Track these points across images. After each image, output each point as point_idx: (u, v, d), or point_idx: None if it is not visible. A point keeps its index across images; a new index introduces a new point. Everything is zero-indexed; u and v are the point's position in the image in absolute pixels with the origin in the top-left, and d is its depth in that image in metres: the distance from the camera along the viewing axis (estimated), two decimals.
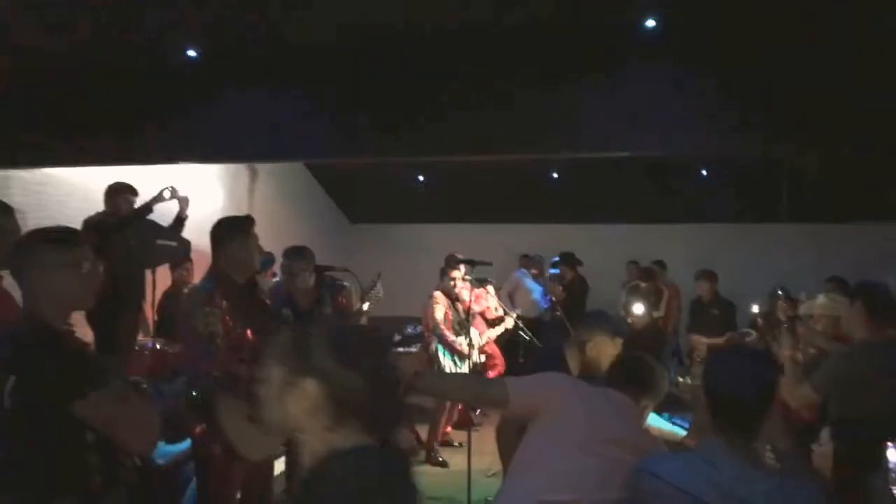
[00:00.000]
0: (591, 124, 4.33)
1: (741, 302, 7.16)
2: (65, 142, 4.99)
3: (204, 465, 2.82)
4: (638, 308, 6.90)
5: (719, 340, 6.32)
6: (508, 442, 2.70)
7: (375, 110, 4.67)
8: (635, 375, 2.43)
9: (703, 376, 1.95)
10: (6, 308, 2.54)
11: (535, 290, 8.45)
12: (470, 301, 5.52)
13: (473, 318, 5.71)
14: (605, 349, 3.01)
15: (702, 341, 6.63)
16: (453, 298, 5.86)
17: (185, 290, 2.90)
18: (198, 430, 2.68)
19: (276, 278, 5.14)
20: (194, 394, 2.60)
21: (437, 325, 5.75)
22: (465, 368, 5.81)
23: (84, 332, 4.64)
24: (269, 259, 5.31)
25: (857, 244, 8.48)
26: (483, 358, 6.13)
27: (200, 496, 2.93)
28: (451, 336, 5.73)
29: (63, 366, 1.83)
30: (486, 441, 4.46)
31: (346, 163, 8.74)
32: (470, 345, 5.68)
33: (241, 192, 7.97)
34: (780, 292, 4.49)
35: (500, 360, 6.58)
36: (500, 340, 6.81)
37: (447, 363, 5.78)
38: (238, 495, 2.99)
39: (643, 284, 7.84)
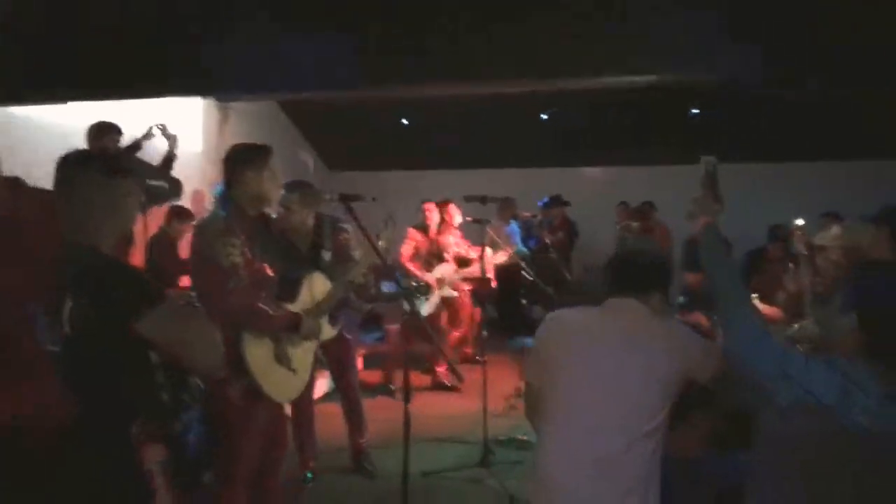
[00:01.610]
0: (604, 49, 4.07)
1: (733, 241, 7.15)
2: (48, 77, 4.62)
3: (222, 410, 2.64)
4: None
5: None
6: None
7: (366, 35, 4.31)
8: (628, 276, 2.24)
9: (854, 295, 1.81)
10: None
11: (514, 233, 8.32)
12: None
13: (446, 250, 5.77)
14: None
15: (698, 279, 6.58)
16: (427, 231, 5.72)
17: (194, 224, 2.66)
18: None
19: None
20: None
21: (401, 261, 5.69)
22: (424, 307, 5.74)
23: None
24: None
25: (833, 182, 8.48)
26: (452, 293, 6.01)
27: (216, 442, 2.75)
28: (417, 271, 5.63)
29: (120, 286, 1.76)
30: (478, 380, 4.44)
31: (326, 103, 8.44)
32: (440, 280, 5.63)
33: (211, 133, 7.58)
34: (799, 222, 4.37)
35: (465, 314, 6.40)
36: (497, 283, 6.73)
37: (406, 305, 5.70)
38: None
39: (635, 224, 7.78)
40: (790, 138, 8.65)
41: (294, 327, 2.78)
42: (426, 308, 5.80)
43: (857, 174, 8.49)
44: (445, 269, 5.87)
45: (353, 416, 4.29)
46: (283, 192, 3.75)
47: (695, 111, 8.70)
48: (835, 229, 4.40)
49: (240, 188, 2.72)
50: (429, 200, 6.06)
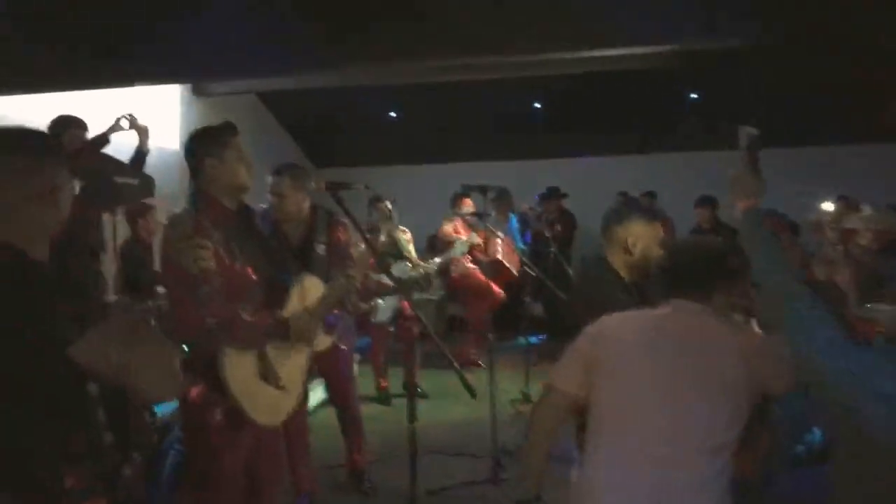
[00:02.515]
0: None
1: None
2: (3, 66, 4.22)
3: (200, 436, 2.28)
4: None
5: None
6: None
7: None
8: (684, 276, 1.97)
9: None
10: None
11: (515, 229, 7.97)
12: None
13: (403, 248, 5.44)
14: (648, 237, 2.52)
15: None
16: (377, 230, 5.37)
17: (165, 222, 2.27)
18: (193, 393, 2.09)
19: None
20: (185, 349, 2.04)
21: None
22: (383, 313, 5.45)
23: None
24: None
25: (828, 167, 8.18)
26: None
27: (194, 473, 2.39)
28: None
29: (52, 300, 1.41)
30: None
31: (309, 96, 8.06)
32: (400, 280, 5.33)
33: (190, 129, 7.17)
34: (826, 207, 3.99)
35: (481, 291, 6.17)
36: (500, 282, 6.44)
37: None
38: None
39: None
40: (787, 124, 8.33)
41: (282, 333, 2.39)
42: (383, 313, 5.50)
43: (852, 159, 8.22)
44: (401, 269, 5.56)
45: (352, 432, 3.92)
46: (270, 177, 3.41)
47: (694, 96, 8.40)
48: (866, 211, 4.11)
49: (204, 178, 2.36)
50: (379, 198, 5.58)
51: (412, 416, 2.34)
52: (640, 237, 2.48)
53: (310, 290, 2.60)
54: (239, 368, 2.25)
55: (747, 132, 1.95)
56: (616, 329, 1.93)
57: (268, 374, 2.33)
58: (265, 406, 2.33)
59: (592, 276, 2.68)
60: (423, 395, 5.63)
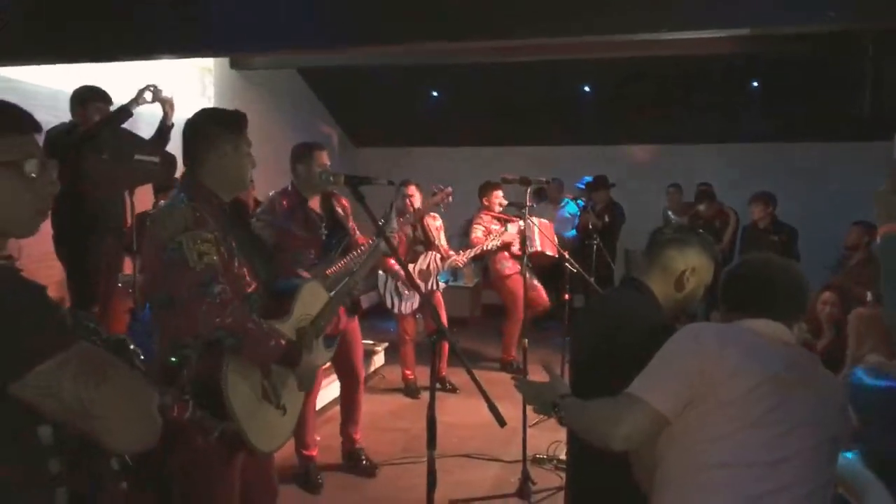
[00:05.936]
0: None
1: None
2: (29, 37, 4.06)
3: (186, 461, 2.02)
4: None
5: None
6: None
7: None
8: (780, 299, 1.71)
9: None
10: None
11: (562, 217, 7.64)
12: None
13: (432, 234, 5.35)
14: (703, 275, 2.08)
15: None
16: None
17: (150, 213, 1.99)
18: (182, 412, 1.83)
19: None
20: (173, 359, 1.78)
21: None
22: (407, 303, 5.26)
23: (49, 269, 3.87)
24: None
25: None
26: (441, 283, 5.52)
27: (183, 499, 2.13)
28: (395, 265, 4.99)
29: None
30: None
31: (349, 73, 7.80)
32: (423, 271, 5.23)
33: (225, 104, 6.99)
34: None
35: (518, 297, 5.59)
36: (542, 276, 6.14)
37: (389, 300, 5.33)
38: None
39: (702, 207, 7.00)
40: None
41: (292, 361, 2.12)
42: (407, 306, 5.31)
43: None
44: (431, 259, 5.29)
45: (351, 408, 3.96)
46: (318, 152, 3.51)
47: (755, 84, 7.88)
48: None
49: (206, 167, 2.09)
50: (410, 182, 5.31)
51: (432, 441, 2.06)
52: (697, 273, 2.06)
53: (311, 298, 2.34)
54: (243, 386, 1.99)
55: None
56: (739, 349, 1.60)
57: (270, 392, 2.07)
58: (265, 430, 2.07)
59: (642, 314, 2.14)
60: (453, 390, 5.41)
